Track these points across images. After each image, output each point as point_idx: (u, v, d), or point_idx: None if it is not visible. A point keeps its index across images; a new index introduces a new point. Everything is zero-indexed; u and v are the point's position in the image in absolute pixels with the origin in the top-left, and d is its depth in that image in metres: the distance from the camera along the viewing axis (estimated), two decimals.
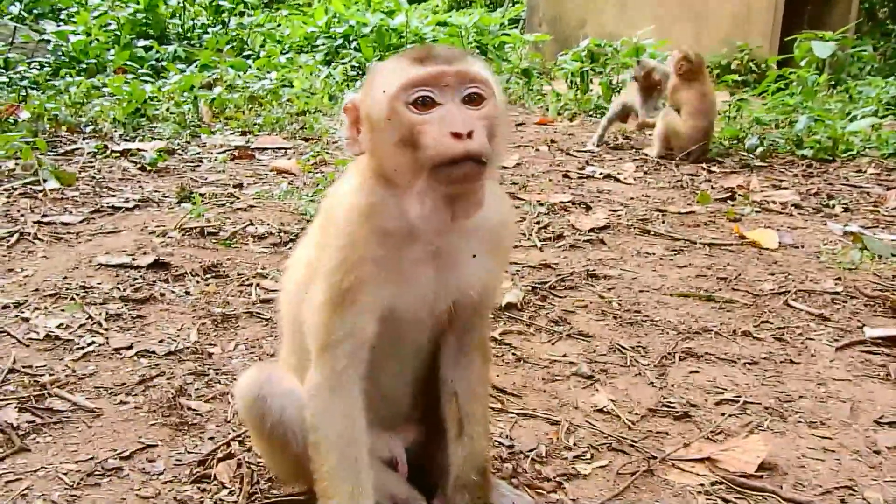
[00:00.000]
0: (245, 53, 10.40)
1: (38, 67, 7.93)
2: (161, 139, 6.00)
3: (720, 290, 3.39)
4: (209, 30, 10.93)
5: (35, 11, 10.51)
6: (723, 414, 2.33)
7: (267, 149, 6.01)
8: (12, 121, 5.98)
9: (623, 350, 2.76)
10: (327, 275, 1.54)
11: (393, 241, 1.52)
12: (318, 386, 1.56)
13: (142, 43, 9.82)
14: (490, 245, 1.62)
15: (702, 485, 1.97)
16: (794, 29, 10.45)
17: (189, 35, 10.79)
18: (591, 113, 8.62)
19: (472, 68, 1.46)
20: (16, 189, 4.40)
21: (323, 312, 1.54)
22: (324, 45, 10.73)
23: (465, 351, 1.73)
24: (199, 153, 5.71)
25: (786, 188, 5.47)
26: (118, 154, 5.40)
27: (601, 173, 5.67)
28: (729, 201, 5.07)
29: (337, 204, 1.60)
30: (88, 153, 5.37)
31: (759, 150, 6.42)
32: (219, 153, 5.64)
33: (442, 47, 1.52)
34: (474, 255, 1.59)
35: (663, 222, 4.45)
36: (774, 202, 5.03)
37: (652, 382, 2.53)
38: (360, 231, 1.51)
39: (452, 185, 1.43)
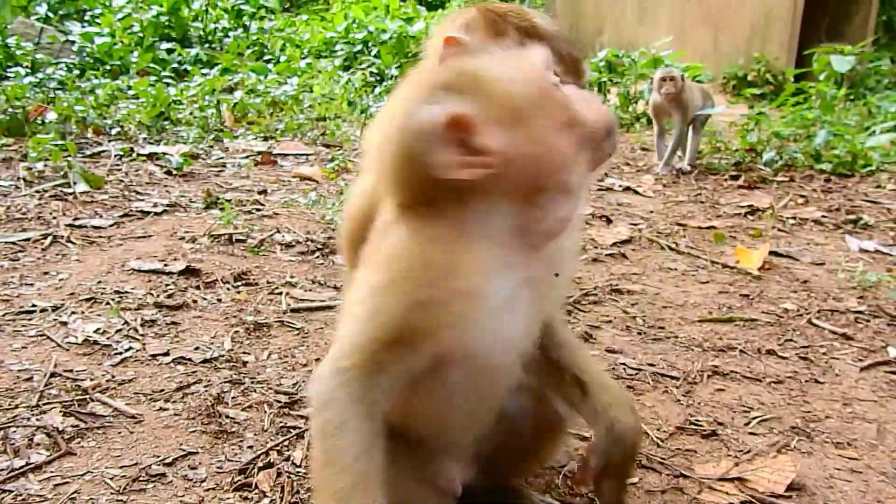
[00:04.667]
0: (265, 58, 10.50)
1: (66, 69, 8.03)
2: (185, 143, 6.08)
3: (742, 307, 3.42)
4: (230, 33, 11.05)
5: (60, 12, 10.64)
6: (751, 433, 2.36)
7: (289, 155, 6.08)
8: (40, 121, 6.07)
9: (649, 367, 2.79)
10: (380, 311, 1.28)
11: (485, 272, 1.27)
12: (338, 389, 1.30)
13: (164, 45, 9.96)
14: (568, 253, 1.48)
15: None
16: (812, 40, 10.47)
17: (210, 38, 10.91)
18: None
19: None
20: (46, 191, 4.48)
21: (366, 338, 1.30)
22: (343, 50, 10.80)
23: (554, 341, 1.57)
24: (222, 158, 5.78)
25: (804, 204, 5.49)
26: (144, 157, 5.48)
27: (620, 185, 5.71)
28: (748, 216, 5.10)
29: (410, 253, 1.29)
30: (115, 156, 5.45)
31: (777, 164, 6.44)
32: (242, 158, 5.71)
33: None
34: (557, 274, 1.41)
35: (684, 236, 4.49)
36: (794, 218, 5.06)
37: (679, 400, 2.56)
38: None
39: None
